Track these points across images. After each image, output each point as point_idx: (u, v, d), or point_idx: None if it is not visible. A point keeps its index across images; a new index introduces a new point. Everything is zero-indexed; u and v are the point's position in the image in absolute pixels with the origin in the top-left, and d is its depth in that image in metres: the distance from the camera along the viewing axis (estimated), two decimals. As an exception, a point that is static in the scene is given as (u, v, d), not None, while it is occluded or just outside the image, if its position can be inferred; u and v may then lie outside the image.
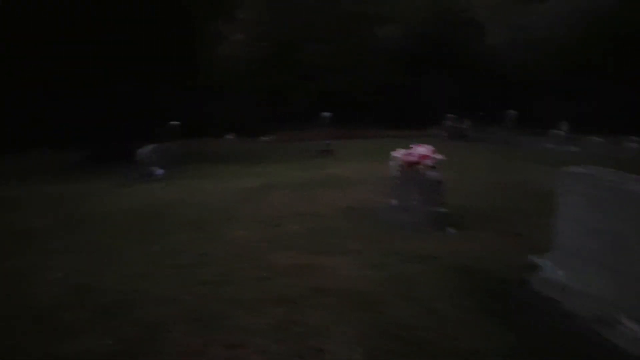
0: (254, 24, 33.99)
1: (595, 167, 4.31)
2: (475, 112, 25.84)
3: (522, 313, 4.10)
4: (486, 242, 6.20)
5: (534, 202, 8.12)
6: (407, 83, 31.25)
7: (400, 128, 27.78)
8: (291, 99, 31.10)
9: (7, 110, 21.56)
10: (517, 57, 34.26)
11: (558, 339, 3.73)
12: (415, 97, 30.91)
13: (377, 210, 7.72)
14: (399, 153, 7.56)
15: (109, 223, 7.86)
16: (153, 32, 19.56)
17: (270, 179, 11.55)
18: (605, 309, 3.68)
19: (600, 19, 33.15)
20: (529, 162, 13.24)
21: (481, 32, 36.02)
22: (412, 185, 6.96)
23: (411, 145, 7.09)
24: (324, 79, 31.60)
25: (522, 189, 9.61)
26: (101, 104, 18.69)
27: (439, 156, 6.90)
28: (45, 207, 9.53)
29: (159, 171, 12.06)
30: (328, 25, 34.23)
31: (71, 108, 19.13)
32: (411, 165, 6.92)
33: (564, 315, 3.95)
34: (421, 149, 6.92)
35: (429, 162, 6.80)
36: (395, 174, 7.61)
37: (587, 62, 29.71)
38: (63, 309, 4.39)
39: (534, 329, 3.86)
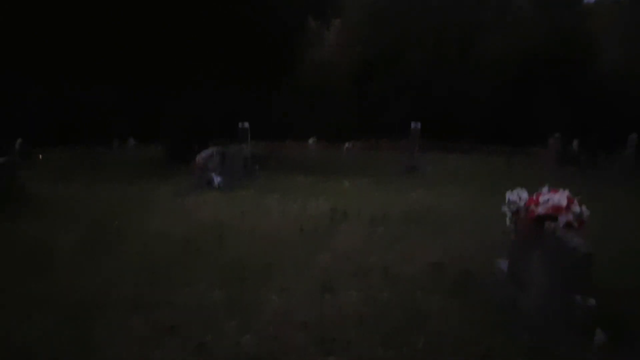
0: (351, 29, 31.97)
1: None
2: (587, 134, 22.26)
3: None
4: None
5: None
6: (512, 97, 27.89)
7: (500, 144, 24.69)
8: (385, 106, 28.70)
9: (99, 103, 20.87)
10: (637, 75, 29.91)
11: None
12: (520, 113, 27.51)
13: (478, 276, 5.26)
14: (515, 195, 5.05)
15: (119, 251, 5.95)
16: (245, 33, 17.98)
17: (344, 201, 9.26)
18: None
19: None
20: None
21: (597, 47, 31.89)
22: (538, 251, 4.44)
23: (542, 191, 4.55)
24: (422, 88, 28.95)
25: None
26: (191, 102, 17.35)
27: (583, 209, 4.32)
28: (85, 214, 7.92)
29: (217, 179, 10.15)
30: (430, 33, 31.56)
31: (164, 103, 18.00)
32: (538, 220, 4.39)
33: None
34: (555, 197, 4.37)
35: (567, 218, 4.24)
36: (509, 227, 5.11)
37: None
38: None
39: None
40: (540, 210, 4.37)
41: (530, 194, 4.98)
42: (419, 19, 30.80)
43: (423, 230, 7.19)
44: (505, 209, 5.13)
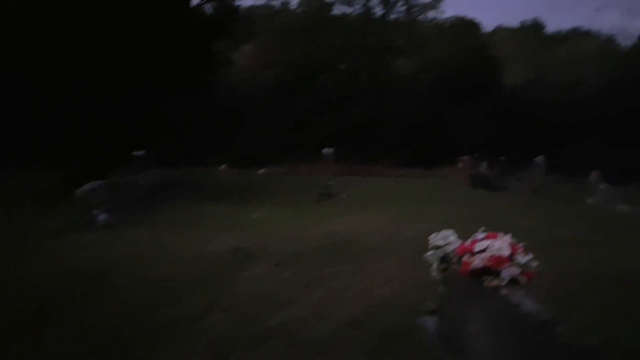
0: (263, 51, 31.07)
1: None
2: (496, 154, 22.41)
3: None
4: None
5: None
6: (423, 120, 27.92)
7: (415, 166, 24.44)
8: (302, 129, 27.84)
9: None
10: (541, 97, 31.01)
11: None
12: (431, 135, 27.55)
13: (403, 337, 4.27)
14: (441, 239, 4.12)
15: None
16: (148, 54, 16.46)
17: (251, 237, 8.09)
18: None
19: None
20: (599, 229, 9.63)
21: (499, 71, 32.87)
22: (477, 311, 3.50)
23: (478, 235, 3.61)
24: (336, 111, 28.39)
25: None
26: (90, 124, 15.43)
27: (529, 258, 3.41)
28: None
29: (102, 216, 8.64)
30: (346, 55, 31.24)
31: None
32: (474, 274, 3.44)
33: None
34: (495, 244, 3.44)
35: (511, 272, 3.32)
36: (437, 277, 4.15)
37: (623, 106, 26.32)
38: None
39: None
40: (477, 262, 3.41)
41: (460, 236, 4.09)
42: (331, 43, 30.42)
43: (339, 272, 6.15)
44: (429, 256, 4.18)
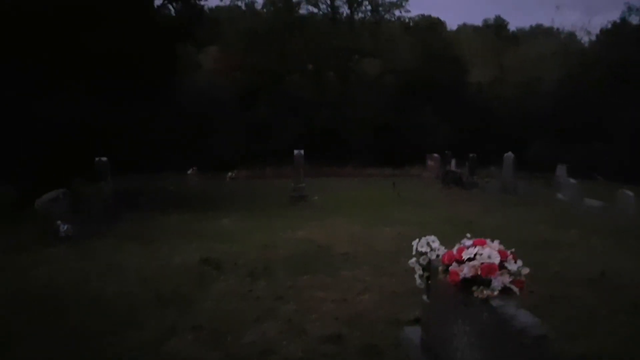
0: (230, 55, 30.50)
1: None
2: (464, 151, 22.42)
3: None
4: None
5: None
6: (392, 120, 27.82)
7: (384, 166, 24.29)
8: (269, 133, 27.36)
9: None
10: (504, 96, 31.30)
11: None
12: (400, 134, 27.46)
13: (385, 350, 3.96)
14: (425, 245, 3.85)
15: None
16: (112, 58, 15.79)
17: (220, 246, 7.69)
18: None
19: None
20: (573, 227, 9.50)
21: (464, 70, 33.04)
22: (466, 324, 3.21)
23: (466, 242, 3.32)
24: (304, 113, 28.02)
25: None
26: (48, 131, 14.66)
27: (519, 265, 3.14)
28: None
29: (63, 227, 8.10)
30: (311, 58, 30.92)
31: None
32: (463, 284, 3.15)
33: None
34: (484, 251, 3.16)
35: (503, 281, 3.04)
36: (421, 286, 3.87)
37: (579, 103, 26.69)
38: None
39: None
40: (466, 271, 3.13)
41: (443, 242, 3.82)
42: (298, 44, 30.06)
43: (313, 282, 5.82)
44: (413, 263, 3.90)
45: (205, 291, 5.52)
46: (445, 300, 3.47)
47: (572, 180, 14.94)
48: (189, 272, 6.24)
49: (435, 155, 21.89)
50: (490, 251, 3.15)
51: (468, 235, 3.40)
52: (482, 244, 3.23)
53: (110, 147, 13.19)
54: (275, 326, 4.46)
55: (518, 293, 3.02)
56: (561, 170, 18.35)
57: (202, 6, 19.59)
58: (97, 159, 11.00)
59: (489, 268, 3.08)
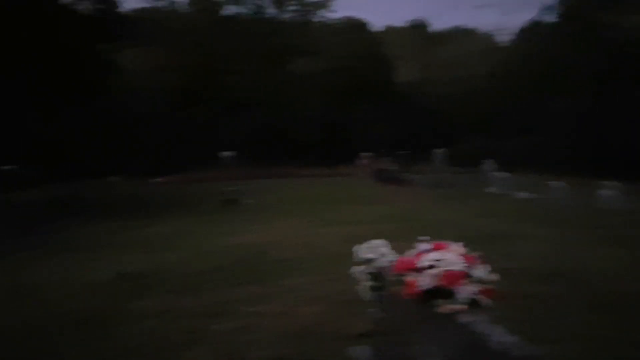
0: (160, 56, 29.16)
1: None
2: (398, 149, 22.44)
3: None
4: None
5: None
6: (330, 119, 27.49)
7: (321, 166, 23.87)
8: (203, 135, 26.30)
9: None
10: (431, 94, 31.77)
11: None
12: (334, 132, 27.19)
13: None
14: (371, 250, 3.35)
15: None
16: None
17: (145, 258, 6.93)
18: None
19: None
20: (516, 220, 9.36)
21: (395, 69, 33.28)
22: (432, 344, 2.72)
23: (421, 242, 2.83)
24: (238, 114, 27.17)
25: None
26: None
27: (486, 270, 2.70)
28: None
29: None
30: (247, 57, 30.01)
31: None
32: (424, 297, 2.67)
33: None
34: (445, 257, 2.69)
35: (470, 291, 2.58)
36: (369, 298, 3.37)
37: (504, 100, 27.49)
38: None
39: None
40: (426, 282, 2.64)
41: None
42: (228, 45, 29.13)
43: (252, 294, 5.20)
44: (357, 272, 3.39)
45: (126, 311, 4.79)
46: (400, 316, 2.99)
47: (502, 174, 15.11)
48: (108, 289, 5.48)
49: (369, 153, 21.77)
50: (453, 256, 2.69)
51: (426, 237, 2.91)
52: (443, 248, 2.76)
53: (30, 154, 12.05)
54: (206, 351, 3.84)
55: (490, 305, 2.58)
56: (489, 164, 18.60)
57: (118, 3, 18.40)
58: (4, 167, 9.86)
59: (453, 277, 2.60)
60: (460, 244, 2.81)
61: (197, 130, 26.44)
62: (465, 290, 2.57)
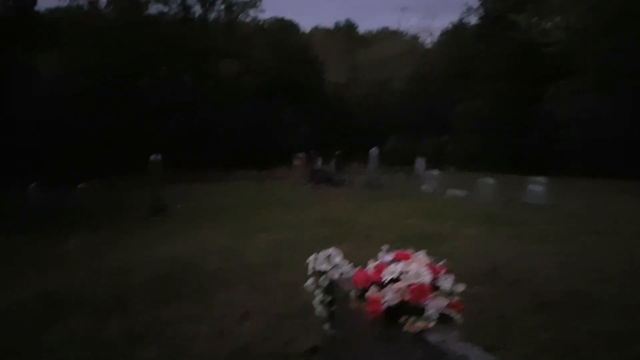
0: (74, 55, 27.40)
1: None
2: (325, 150, 22.23)
3: None
4: None
5: None
6: (253, 121, 26.87)
7: (248, 169, 23.25)
8: (121, 140, 24.94)
9: None
10: (359, 95, 31.94)
11: None
12: (263, 135, 26.63)
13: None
14: (323, 261, 2.96)
15: None
16: None
17: (64, 273, 6.20)
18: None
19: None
20: (448, 219, 9.25)
21: (321, 70, 33.15)
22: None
23: (384, 256, 2.47)
24: (159, 117, 25.99)
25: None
26: None
27: (452, 280, 2.38)
28: None
29: None
30: (164, 60, 28.84)
31: None
32: (388, 315, 2.31)
33: None
34: (410, 268, 2.34)
35: (439, 305, 2.25)
36: (323, 315, 2.98)
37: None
38: None
39: None
40: (392, 297, 2.28)
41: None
42: (149, 45, 27.84)
43: (180, 313, 4.67)
44: (311, 286, 2.99)
45: (42, 337, 4.14)
46: (359, 334, 2.62)
47: (433, 172, 15.21)
48: (22, 313, 4.77)
49: (301, 154, 21.41)
50: (417, 267, 2.35)
51: (386, 246, 2.55)
52: (406, 259, 2.42)
53: None
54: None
55: (460, 320, 2.25)
56: (420, 163, 18.81)
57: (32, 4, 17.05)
58: None
59: (419, 291, 2.26)
60: (423, 252, 2.48)
61: (121, 134, 25.10)
62: (433, 305, 2.24)
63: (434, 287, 2.29)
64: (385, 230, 8.07)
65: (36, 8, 22.83)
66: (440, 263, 2.43)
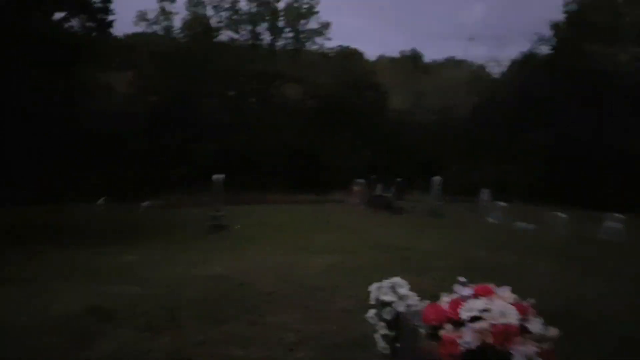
0: (141, 77, 28.55)
1: None
2: (385, 176, 21.82)
3: None
4: None
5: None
6: (314, 145, 26.89)
7: (308, 192, 23.16)
8: (185, 159, 25.52)
9: None
10: (422, 122, 31.39)
11: None
12: (323, 159, 26.55)
13: None
14: (388, 291, 2.64)
15: None
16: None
17: (118, 287, 6.15)
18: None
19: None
20: (520, 252, 8.66)
21: (384, 97, 32.90)
22: None
23: (462, 284, 2.14)
24: (223, 138, 26.47)
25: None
26: None
27: (544, 326, 2.01)
28: None
29: None
30: (231, 83, 29.55)
31: None
32: (466, 358, 1.97)
33: None
34: (494, 305, 2.00)
35: (529, 351, 1.89)
36: (385, 352, 2.64)
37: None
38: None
39: None
40: (471, 339, 1.94)
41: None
42: (217, 70, 28.62)
43: (231, 334, 4.44)
44: (372, 317, 2.67)
45: (89, 350, 4.01)
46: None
47: (500, 203, 14.50)
48: (72, 326, 4.69)
49: (361, 180, 21.12)
50: (503, 304, 1.99)
51: (462, 279, 2.22)
52: (489, 294, 2.07)
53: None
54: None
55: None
56: (485, 193, 18.05)
57: (109, 21, 17.84)
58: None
59: (505, 333, 1.91)
60: (508, 288, 2.12)
61: (181, 153, 25.71)
62: (521, 352, 1.88)
63: (522, 329, 1.93)
64: (445, 259, 7.61)
65: (114, 33, 24.02)
66: (527, 301, 2.07)
